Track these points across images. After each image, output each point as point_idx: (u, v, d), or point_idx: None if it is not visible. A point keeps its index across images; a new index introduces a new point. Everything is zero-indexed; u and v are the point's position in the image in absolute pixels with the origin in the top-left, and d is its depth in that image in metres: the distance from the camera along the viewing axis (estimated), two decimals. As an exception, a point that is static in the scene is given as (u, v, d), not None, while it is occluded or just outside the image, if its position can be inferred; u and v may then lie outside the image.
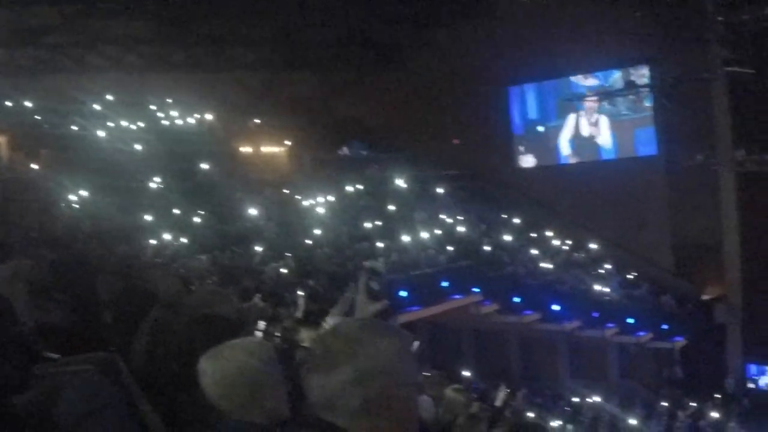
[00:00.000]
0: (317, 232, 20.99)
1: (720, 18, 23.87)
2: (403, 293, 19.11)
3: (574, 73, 30.31)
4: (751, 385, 25.72)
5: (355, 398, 2.35)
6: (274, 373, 3.39)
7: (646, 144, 28.96)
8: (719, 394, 24.14)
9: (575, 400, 22.37)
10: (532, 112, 32.40)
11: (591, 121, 30.64)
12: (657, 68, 27.37)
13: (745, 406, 23.87)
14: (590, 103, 30.17)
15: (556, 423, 18.80)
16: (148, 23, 28.89)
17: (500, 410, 13.47)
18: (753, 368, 25.88)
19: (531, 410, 17.44)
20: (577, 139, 31.14)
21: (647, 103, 28.52)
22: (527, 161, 32.66)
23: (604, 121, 30.35)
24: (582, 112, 30.79)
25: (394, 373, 2.39)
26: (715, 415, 22.66)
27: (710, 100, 25.62)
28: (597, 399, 22.07)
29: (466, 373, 19.00)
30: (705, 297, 27.34)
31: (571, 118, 31.14)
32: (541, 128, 32.21)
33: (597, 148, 30.77)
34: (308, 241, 20.50)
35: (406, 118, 31.76)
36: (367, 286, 4.05)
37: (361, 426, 2.36)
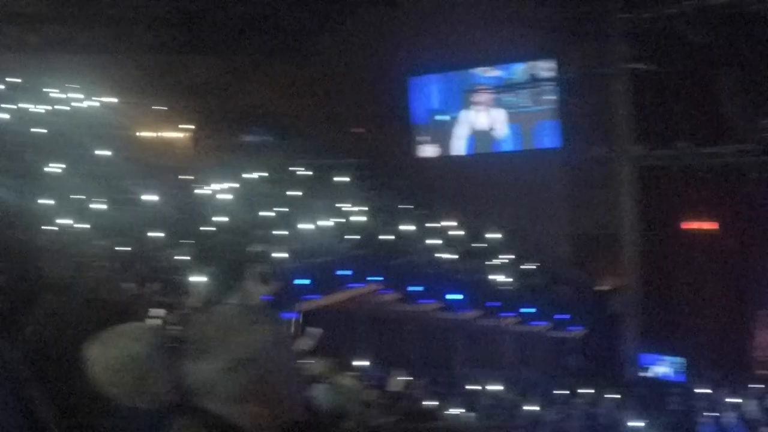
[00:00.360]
0: (217, 218, 20.76)
1: (622, 15, 24.29)
2: (302, 281, 19.08)
3: (478, 65, 30.56)
4: (645, 374, 26.29)
5: (230, 385, 2.33)
6: (160, 359, 3.36)
7: (549, 136, 29.35)
8: (616, 382, 24.59)
9: (474, 388, 22.53)
10: (435, 103, 32.54)
11: (489, 115, 30.91)
12: (561, 62, 27.75)
13: (640, 394, 24.34)
14: (490, 95, 30.45)
15: (454, 411, 18.92)
16: (51, 3, 28.27)
17: (396, 397, 13.51)
18: (647, 357, 26.42)
19: (430, 398, 17.54)
20: (475, 134, 31.37)
21: (551, 96, 28.87)
22: (428, 151, 32.77)
23: (501, 115, 30.64)
24: (481, 106, 31.03)
25: (269, 361, 2.38)
26: (611, 403, 23.07)
27: (612, 94, 26.05)
28: (495, 387, 22.26)
29: (365, 362, 19.04)
30: (602, 287, 27.83)
31: (468, 113, 31.38)
32: (442, 119, 32.35)
33: (494, 141, 31.04)
34: (208, 228, 20.27)
35: (310, 105, 31.55)
36: (257, 271, 4.05)
37: (237, 413, 2.35)
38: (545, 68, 28.49)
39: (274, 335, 2.44)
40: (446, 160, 31.92)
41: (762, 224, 25.63)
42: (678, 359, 26.11)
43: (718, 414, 22.44)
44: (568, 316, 26.33)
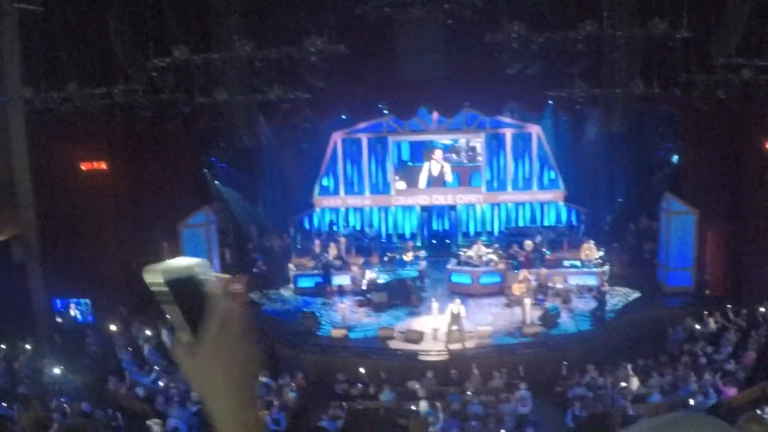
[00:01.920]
0: None
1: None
2: None
3: None
4: (58, 320, 26.14)
5: None
6: None
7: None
8: (29, 332, 24.18)
9: None
10: None
11: None
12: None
13: (57, 340, 24.18)
14: None
15: None
16: None
17: None
18: (58, 303, 26.26)
19: None
20: None
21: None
22: None
23: None
24: None
25: None
26: (28, 354, 22.70)
27: (-1, 36, 25.15)
28: None
29: None
30: (2, 237, 27.06)
31: None
32: None
33: None
34: None
35: None
36: None
37: None
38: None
39: None
40: None
41: (152, 160, 26.47)
42: (85, 300, 26.26)
43: (132, 348, 23.25)
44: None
